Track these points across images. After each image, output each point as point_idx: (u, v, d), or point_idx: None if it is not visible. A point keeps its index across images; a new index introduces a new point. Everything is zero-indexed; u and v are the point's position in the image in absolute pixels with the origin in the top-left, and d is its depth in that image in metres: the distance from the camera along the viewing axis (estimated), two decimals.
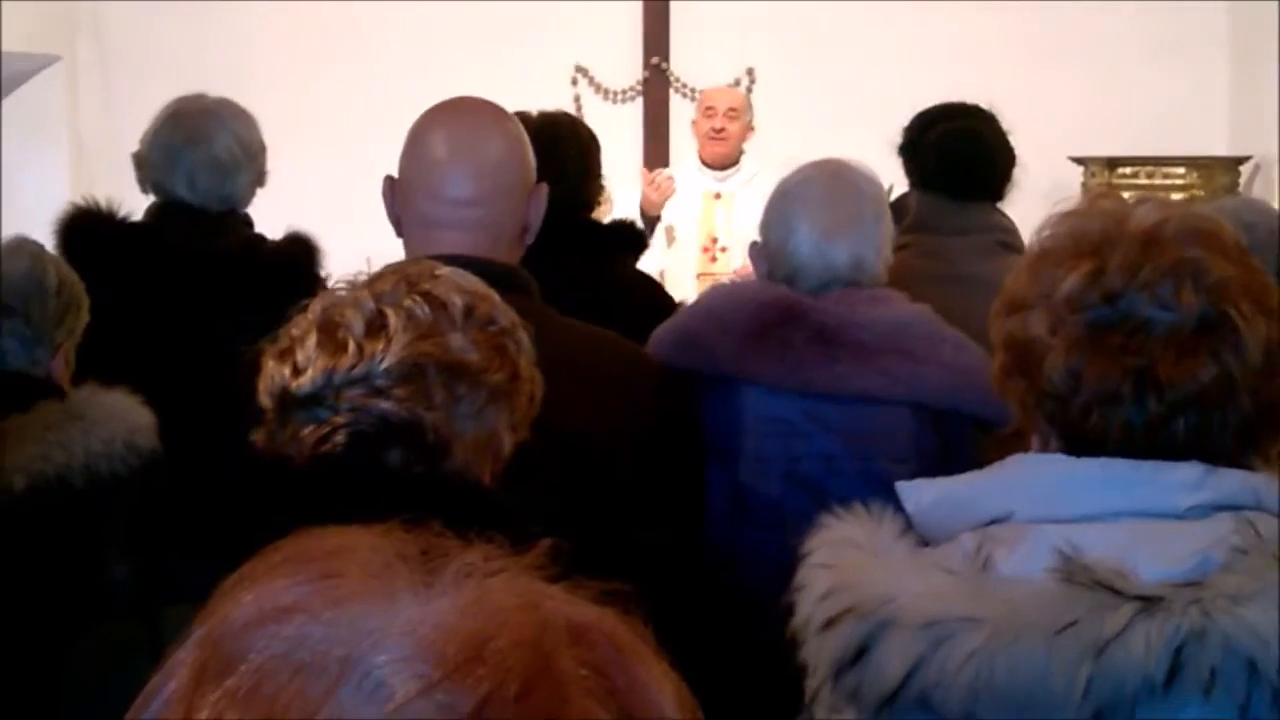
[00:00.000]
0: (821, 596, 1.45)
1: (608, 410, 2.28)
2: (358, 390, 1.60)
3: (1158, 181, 6.45)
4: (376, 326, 1.61)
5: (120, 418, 2.37)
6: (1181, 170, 6.47)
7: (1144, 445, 1.48)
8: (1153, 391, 1.47)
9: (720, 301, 2.82)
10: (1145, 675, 1.31)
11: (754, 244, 2.90)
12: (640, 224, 3.61)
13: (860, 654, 1.40)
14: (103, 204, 3.21)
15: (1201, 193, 6.21)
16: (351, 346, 1.60)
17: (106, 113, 6.98)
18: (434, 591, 0.67)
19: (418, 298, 1.64)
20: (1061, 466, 1.50)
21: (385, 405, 1.59)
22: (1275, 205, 6.12)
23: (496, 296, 1.72)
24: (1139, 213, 1.53)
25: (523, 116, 3.44)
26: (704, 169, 6.02)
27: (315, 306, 1.67)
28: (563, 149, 3.38)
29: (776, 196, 2.86)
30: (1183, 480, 1.46)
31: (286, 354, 1.64)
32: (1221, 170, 6.48)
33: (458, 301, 1.65)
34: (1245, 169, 6.56)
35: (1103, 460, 1.48)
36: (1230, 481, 1.46)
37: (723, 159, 5.98)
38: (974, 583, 1.41)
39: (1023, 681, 1.33)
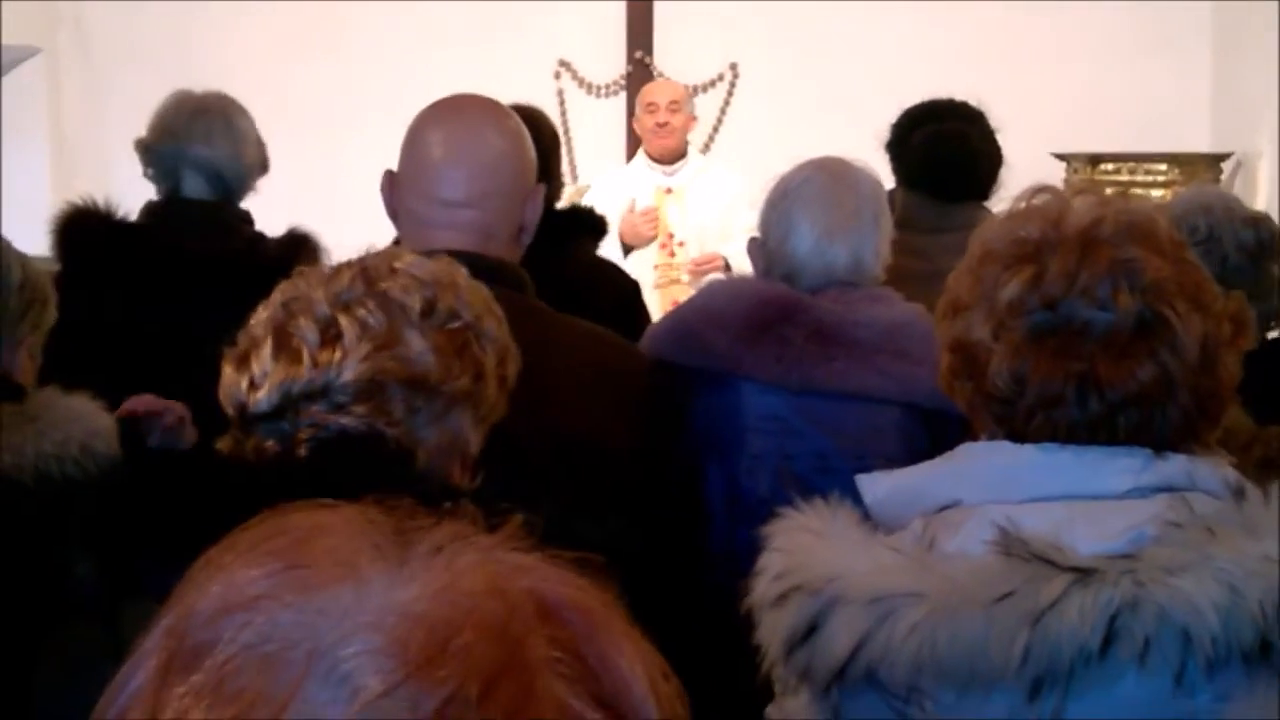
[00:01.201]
0: (774, 577, 1.50)
1: (598, 406, 2.28)
2: (317, 406, 1.59)
3: (1140, 178, 6.47)
4: (331, 336, 1.60)
5: (78, 421, 2.33)
6: (1164, 166, 6.48)
7: (1088, 442, 1.53)
8: (1094, 392, 1.52)
9: (718, 298, 2.83)
10: (1081, 644, 1.35)
11: (752, 240, 2.91)
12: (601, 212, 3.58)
13: (810, 632, 1.45)
14: (100, 203, 3.19)
15: (1184, 189, 6.22)
16: (306, 358, 1.60)
17: (87, 105, 6.96)
18: (404, 574, 0.66)
19: (372, 304, 1.62)
20: (1007, 454, 1.56)
21: (345, 420, 1.59)
22: (1257, 201, 6.16)
23: (461, 281, 1.70)
24: (1076, 211, 1.57)
25: None
26: (653, 165, 6.04)
27: (274, 300, 1.66)
28: None
29: (776, 195, 2.85)
30: (1125, 465, 1.51)
31: (243, 363, 1.63)
32: (1204, 166, 6.49)
33: (415, 302, 1.63)
34: (1227, 165, 6.58)
35: (1047, 446, 1.53)
36: (1170, 466, 1.51)
37: (671, 153, 6.00)
38: (918, 560, 1.46)
39: (964, 652, 1.38)
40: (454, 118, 2.40)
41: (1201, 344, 1.52)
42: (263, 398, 1.60)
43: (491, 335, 1.70)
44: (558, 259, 3.23)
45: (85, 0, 7.09)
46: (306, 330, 1.60)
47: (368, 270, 1.66)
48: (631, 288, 3.53)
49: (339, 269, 1.68)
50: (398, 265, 1.67)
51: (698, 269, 5.69)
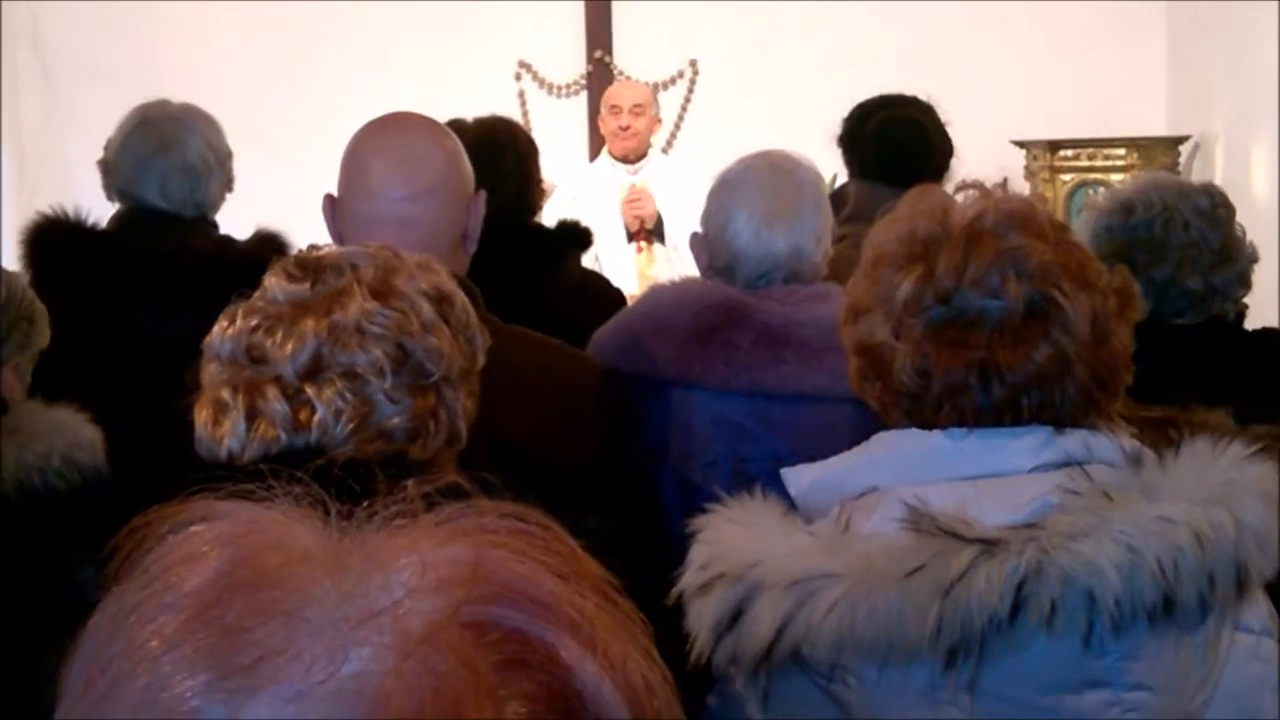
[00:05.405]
0: (699, 567, 1.55)
1: (546, 416, 2.30)
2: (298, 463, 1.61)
3: (1098, 163, 6.51)
4: (304, 419, 1.61)
5: (60, 434, 2.32)
6: (1122, 151, 6.52)
7: (994, 425, 1.60)
8: (995, 377, 1.58)
9: (663, 306, 2.80)
10: (990, 611, 1.41)
11: (694, 235, 2.90)
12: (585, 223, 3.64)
13: (735, 618, 1.50)
14: (70, 213, 3.19)
15: (1138, 174, 6.26)
16: (280, 429, 1.61)
17: (47, 121, 6.93)
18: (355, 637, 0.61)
19: (340, 384, 1.61)
20: (917, 439, 1.62)
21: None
22: (1216, 182, 6.21)
23: (418, 320, 1.68)
24: (959, 207, 1.64)
25: (459, 125, 3.45)
26: (616, 164, 6.07)
27: (239, 328, 1.64)
28: (501, 157, 3.40)
29: (716, 186, 2.85)
30: (1027, 444, 1.57)
31: (216, 423, 1.63)
32: (1161, 150, 6.53)
33: (384, 364, 1.62)
34: (1185, 148, 6.63)
35: (954, 431, 1.60)
36: (1070, 441, 1.57)
37: (633, 153, 6.04)
38: (834, 541, 1.52)
39: (881, 626, 1.43)
40: (388, 130, 2.43)
41: (1091, 320, 1.59)
42: (239, 453, 1.61)
43: (463, 405, 1.72)
44: (547, 275, 3.27)
45: (44, 14, 7.06)
46: (275, 406, 1.61)
47: (335, 329, 1.64)
48: (618, 300, 3.56)
49: (313, 308, 1.65)
50: (365, 325, 1.64)
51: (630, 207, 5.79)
